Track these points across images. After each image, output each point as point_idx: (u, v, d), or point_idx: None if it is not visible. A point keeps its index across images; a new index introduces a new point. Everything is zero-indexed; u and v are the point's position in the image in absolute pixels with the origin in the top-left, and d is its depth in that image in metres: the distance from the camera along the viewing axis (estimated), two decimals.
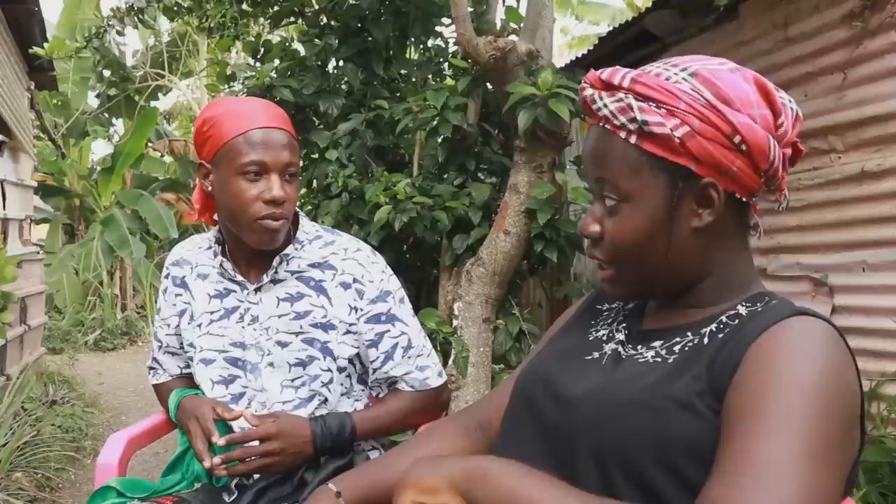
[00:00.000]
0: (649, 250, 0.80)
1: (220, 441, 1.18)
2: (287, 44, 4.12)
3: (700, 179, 0.77)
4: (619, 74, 0.80)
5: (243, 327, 1.30)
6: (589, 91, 0.82)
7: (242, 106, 1.24)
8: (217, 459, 1.17)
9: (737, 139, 0.75)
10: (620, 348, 0.86)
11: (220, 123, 1.21)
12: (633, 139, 0.78)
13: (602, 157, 0.81)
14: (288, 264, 1.29)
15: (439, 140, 3.20)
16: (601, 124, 0.81)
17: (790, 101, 0.81)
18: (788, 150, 0.81)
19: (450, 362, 2.70)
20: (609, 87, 0.80)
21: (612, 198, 0.81)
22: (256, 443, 1.19)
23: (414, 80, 3.81)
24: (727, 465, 0.66)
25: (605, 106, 0.79)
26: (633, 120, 0.77)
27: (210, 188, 1.26)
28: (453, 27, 2.96)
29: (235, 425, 1.26)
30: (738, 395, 0.70)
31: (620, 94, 0.78)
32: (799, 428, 0.66)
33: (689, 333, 0.81)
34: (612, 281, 0.85)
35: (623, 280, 0.85)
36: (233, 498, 1.26)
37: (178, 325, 1.38)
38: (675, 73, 0.79)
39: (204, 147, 1.24)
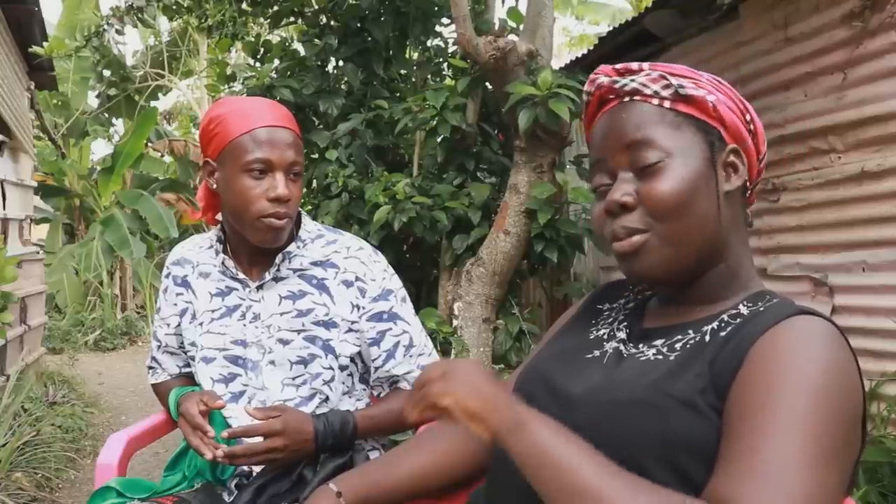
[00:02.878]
0: (697, 205, 0.79)
1: (223, 434, 1.19)
2: (287, 44, 4.12)
3: (727, 145, 0.82)
4: (635, 63, 0.85)
5: (245, 325, 1.30)
6: (607, 79, 0.85)
7: (248, 105, 1.24)
8: (220, 452, 1.17)
9: (748, 117, 0.82)
10: (622, 346, 0.86)
11: (226, 122, 1.22)
12: (666, 104, 0.81)
13: (636, 123, 0.82)
14: (290, 262, 1.29)
15: (439, 140, 3.20)
16: (627, 99, 0.83)
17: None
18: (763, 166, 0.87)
19: None
20: (628, 72, 0.85)
21: (651, 159, 0.80)
22: (260, 438, 1.19)
23: (414, 80, 3.81)
24: (732, 464, 0.66)
25: (633, 81, 0.83)
26: (668, 86, 0.81)
27: (215, 186, 1.27)
28: (453, 27, 2.96)
29: (242, 419, 1.25)
30: (742, 393, 0.70)
31: (647, 70, 0.83)
32: (804, 427, 0.66)
33: (690, 331, 0.81)
34: (647, 249, 0.81)
35: (663, 247, 0.80)
36: (232, 497, 1.26)
37: (178, 325, 1.39)
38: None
39: (210, 145, 1.24)
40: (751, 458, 0.65)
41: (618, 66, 0.86)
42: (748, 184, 0.84)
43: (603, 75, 0.86)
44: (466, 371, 0.77)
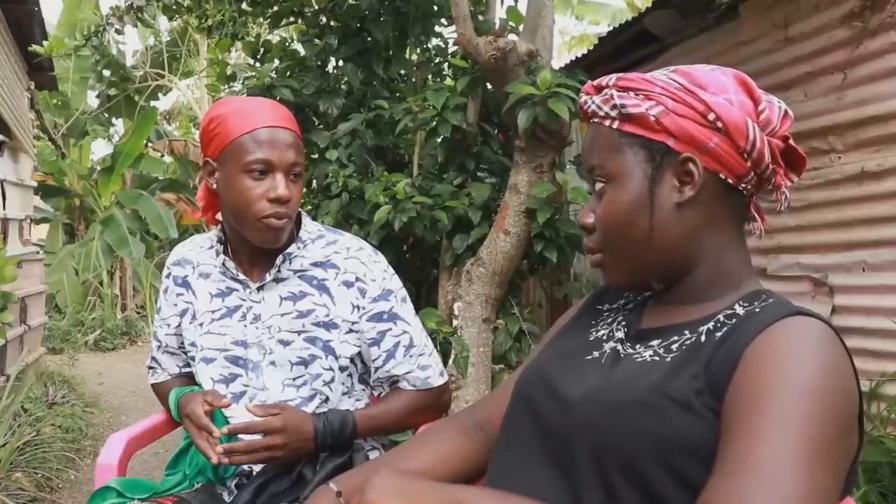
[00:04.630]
0: (634, 227, 0.83)
1: (222, 430, 1.19)
2: (287, 44, 4.12)
3: (678, 155, 0.81)
4: (606, 77, 0.87)
5: (245, 326, 1.30)
6: (584, 97, 0.89)
7: (249, 105, 1.24)
8: (220, 448, 1.17)
9: (711, 116, 0.80)
10: (619, 346, 0.86)
11: (227, 122, 1.22)
12: (615, 125, 0.84)
13: (592, 147, 0.87)
14: (291, 263, 1.29)
15: (439, 140, 3.20)
16: (592, 121, 0.87)
17: (778, 101, 0.85)
18: (780, 143, 0.83)
19: (450, 362, 2.71)
20: (599, 89, 0.87)
21: (601, 181, 0.85)
22: (259, 436, 1.19)
23: (414, 80, 3.81)
24: (727, 466, 0.66)
25: (594, 103, 0.86)
26: (614, 107, 0.83)
27: (215, 186, 1.27)
28: (453, 27, 2.96)
29: (242, 417, 1.26)
30: (737, 395, 0.70)
31: (605, 90, 0.86)
32: (798, 428, 0.66)
33: (686, 332, 0.81)
34: (605, 266, 0.88)
35: (614, 264, 0.86)
36: (233, 497, 1.27)
37: (178, 325, 1.39)
38: (658, 72, 0.85)
39: (210, 144, 1.24)
40: (745, 459, 0.65)
41: (596, 81, 0.88)
42: (731, 181, 0.81)
43: (583, 93, 0.89)
44: (383, 477, 0.75)
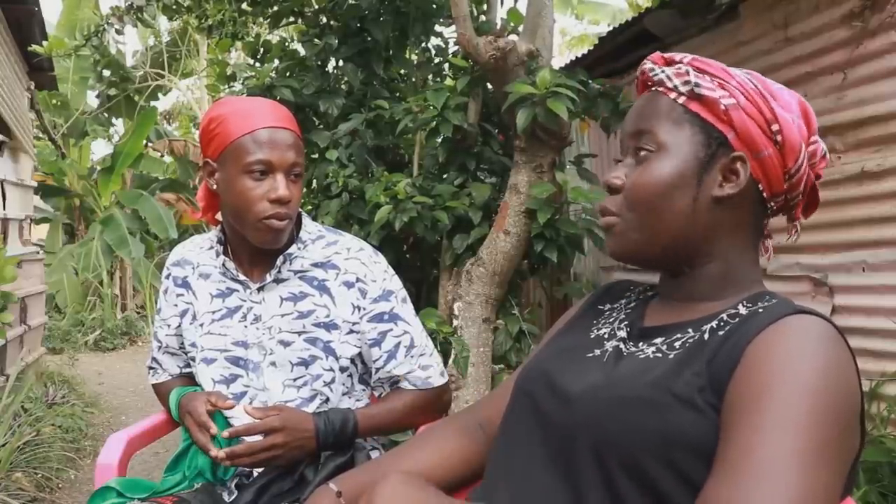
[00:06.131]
0: (671, 202, 0.82)
1: (223, 433, 1.19)
2: (287, 44, 4.12)
3: (732, 151, 0.81)
4: (680, 55, 0.87)
5: (245, 326, 1.30)
6: (649, 65, 0.88)
7: (249, 105, 1.24)
8: (221, 453, 1.17)
9: (774, 127, 0.81)
10: (622, 345, 0.86)
11: (227, 122, 1.22)
12: (681, 100, 0.83)
13: (647, 112, 0.86)
14: (291, 264, 1.29)
15: (439, 140, 3.20)
16: (653, 89, 0.87)
17: (822, 142, 0.87)
18: (813, 177, 0.86)
19: (450, 362, 2.70)
20: (671, 62, 0.87)
21: (647, 148, 0.84)
22: (260, 437, 1.19)
23: (414, 80, 3.81)
24: (727, 465, 0.66)
25: (663, 72, 0.86)
26: (687, 83, 0.83)
27: (215, 186, 1.26)
28: (453, 27, 2.96)
29: (242, 419, 1.26)
30: (738, 392, 0.70)
31: (680, 65, 0.85)
32: (798, 426, 0.66)
33: (689, 329, 0.81)
34: (617, 231, 0.86)
35: (629, 232, 0.85)
36: (233, 497, 1.27)
37: (178, 326, 1.39)
38: (736, 69, 0.86)
39: (210, 145, 1.24)
40: (746, 458, 0.65)
41: (666, 54, 0.88)
42: (766, 194, 0.83)
43: (649, 61, 0.89)
44: (391, 484, 0.72)
